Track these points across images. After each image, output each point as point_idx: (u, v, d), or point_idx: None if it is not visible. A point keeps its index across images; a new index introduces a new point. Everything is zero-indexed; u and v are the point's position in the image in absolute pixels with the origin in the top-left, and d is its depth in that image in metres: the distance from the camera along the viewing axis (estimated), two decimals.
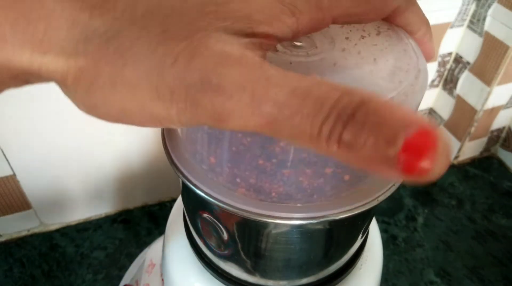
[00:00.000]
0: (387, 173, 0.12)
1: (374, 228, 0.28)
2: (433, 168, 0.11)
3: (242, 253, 0.22)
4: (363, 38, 0.19)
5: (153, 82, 0.13)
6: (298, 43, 0.19)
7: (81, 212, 0.51)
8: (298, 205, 0.18)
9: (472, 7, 0.51)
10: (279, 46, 0.18)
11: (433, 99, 0.61)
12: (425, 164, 0.11)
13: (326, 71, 0.17)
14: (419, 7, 0.19)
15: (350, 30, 0.20)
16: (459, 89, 0.57)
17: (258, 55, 0.13)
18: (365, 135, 0.11)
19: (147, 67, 0.13)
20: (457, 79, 0.57)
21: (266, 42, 0.14)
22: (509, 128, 0.60)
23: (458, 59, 0.56)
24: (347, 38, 0.19)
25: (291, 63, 0.17)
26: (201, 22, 0.13)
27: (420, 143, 0.11)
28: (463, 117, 0.57)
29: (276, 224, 0.20)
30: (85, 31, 0.13)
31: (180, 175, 0.19)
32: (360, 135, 0.11)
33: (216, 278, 0.24)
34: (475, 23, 0.52)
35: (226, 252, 0.22)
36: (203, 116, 0.13)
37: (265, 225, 0.20)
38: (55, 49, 0.13)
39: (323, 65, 0.18)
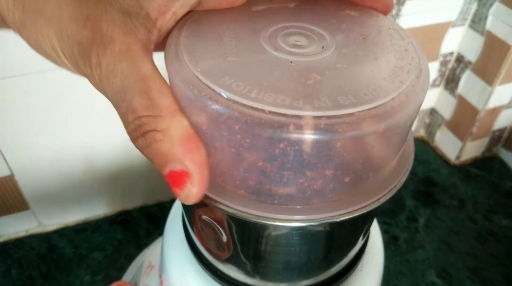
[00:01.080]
0: None
1: (375, 229, 0.28)
2: (181, 196, 0.16)
3: (241, 255, 0.22)
4: (364, 38, 0.19)
5: (60, 25, 0.16)
6: (299, 43, 0.18)
7: (80, 212, 0.51)
8: (298, 207, 0.18)
9: (474, 6, 0.51)
10: (280, 46, 0.18)
11: (434, 98, 0.61)
12: (174, 192, 0.16)
13: (326, 71, 0.17)
14: None
15: (352, 30, 0.20)
16: (460, 89, 0.57)
17: (139, 39, 0.16)
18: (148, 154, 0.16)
19: (60, 13, 0.16)
20: (459, 78, 0.56)
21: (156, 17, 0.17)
22: (511, 128, 0.60)
23: (459, 59, 0.56)
24: (348, 37, 0.19)
25: (291, 62, 0.17)
26: None
27: (176, 177, 0.16)
28: (464, 117, 0.57)
29: (276, 226, 0.19)
30: None
31: None
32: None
33: (215, 280, 0.24)
34: (477, 22, 0.52)
35: (225, 254, 0.22)
36: (79, 68, 0.17)
37: (264, 227, 0.20)
38: None
39: (324, 65, 0.17)
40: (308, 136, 0.15)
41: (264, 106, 0.15)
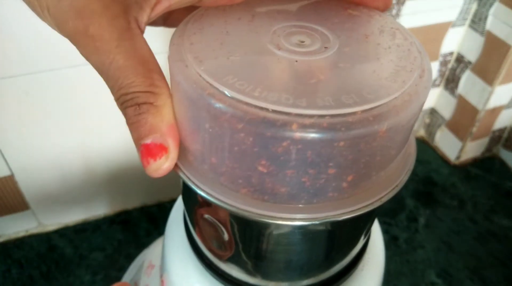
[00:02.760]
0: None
1: (376, 229, 0.28)
2: (151, 166, 0.17)
3: (243, 254, 0.22)
4: (366, 37, 0.19)
5: None
6: (302, 42, 0.18)
7: (80, 213, 0.51)
8: (300, 206, 0.18)
9: (474, 6, 0.51)
10: (283, 45, 0.18)
11: (434, 98, 0.61)
12: (145, 161, 0.17)
13: (329, 70, 0.17)
14: None
15: (354, 29, 0.20)
16: (460, 89, 0.57)
17: (135, 19, 0.17)
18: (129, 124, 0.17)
19: None
20: (459, 78, 0.56)
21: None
22: (511, 128, 0.60)
23: (459, 59, 0.56)
24: (351, 37, 0.19)
25: (296, 61, 0.17)
26: None
27: (154, 148, 0.17)
28: (464, 117, 0.57)
29: (278, 225, 0.19)
30: None
31: (181, 175, 0.19)
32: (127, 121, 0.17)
33: (216, 279, 0.24)
34: (477, 22, 0.52)
35: (227, 253, 0.22)
36: (64, 30, 0.17)
37: (266, 226, 0.20)
38: None
39: (327, 64, 0.17)
40: (311, 134, 0.15)
41: (268, 104, 0.15)
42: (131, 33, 0.17)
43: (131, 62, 0.16)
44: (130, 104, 0.17)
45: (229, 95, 0.15)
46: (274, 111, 0.15)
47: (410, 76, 0.17)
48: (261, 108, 0.15)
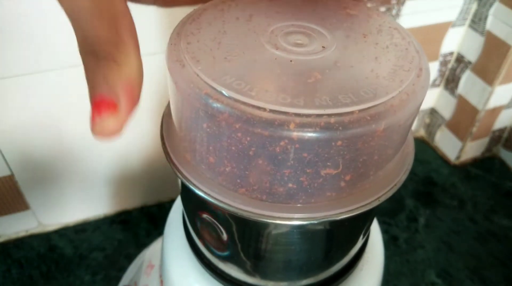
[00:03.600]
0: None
1: (375, 229, 0.28)
2: (96, 123, 0.16)
3: (241, 254, 0.22)
4: (364, 37, 0.19)
5: None
6: (300, 42, 0.18)
7: (80, 213, 0.51)
8: (299, 205, 0.18)
9: (474, 6, 0.51)
10: (281, 45, 0.18)
11: (434, 98, 0.61)
12: (92, 119, 0.16)
13: (326, 69, 0.17)
14: None
15: (352, 29, 0.20)
16: (460, 89, 0.57)
17: None
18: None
19: None
20: (459, 78, 0.56)
21: None
22: (511, 128, 0.60)
23: (459, 59, 0.56)
24: (348, 36, 0.19)
25: (291, 61, 0.17)
26: None
27: (97, 104, 0.16)
28: (464, 117, 0.57)
29: (276, 225, 0.19)
30: None
31: (180, 175, 0.19)
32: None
33: (215, 279, 0.24)
34: (477, 22, 0.52)
35: (225, 253, 0.22)
36: None
37: (265, 225, 0.20)
38: None
39: (324, 63, 0.17)
40: (309, 134, 0.15)
41: (265, 104, 0.15)
42: None
43: (101, 13, 0.15)
44: (91, 53, 0.16)
45: (226, 95, 0.15)
46: (271, 111, 0.15)
47: (407, 76, 0.17)
48: (259, 108, 0.15)
